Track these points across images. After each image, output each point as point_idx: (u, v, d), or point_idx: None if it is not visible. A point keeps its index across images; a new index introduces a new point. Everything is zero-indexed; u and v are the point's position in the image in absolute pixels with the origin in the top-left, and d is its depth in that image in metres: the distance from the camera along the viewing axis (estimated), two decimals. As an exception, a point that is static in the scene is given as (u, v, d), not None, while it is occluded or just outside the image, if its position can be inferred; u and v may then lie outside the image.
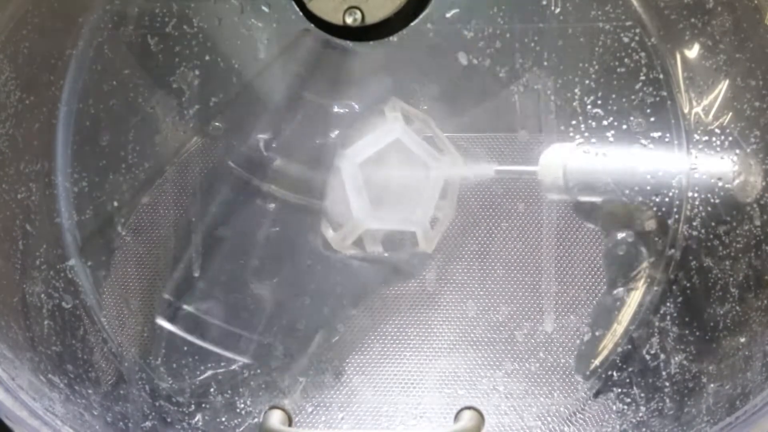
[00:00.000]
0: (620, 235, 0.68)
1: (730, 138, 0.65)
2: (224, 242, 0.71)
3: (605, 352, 0.68)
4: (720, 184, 0.65)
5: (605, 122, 0.66)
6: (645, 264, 0.68)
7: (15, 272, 0.68)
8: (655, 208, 0.67)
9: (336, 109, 0.70)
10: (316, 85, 0.69)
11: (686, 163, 0.66)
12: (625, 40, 0.65)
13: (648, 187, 0.66)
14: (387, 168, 0.70)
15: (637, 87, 0.66)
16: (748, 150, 0.64)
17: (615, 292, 0.69)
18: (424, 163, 0.71)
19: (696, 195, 0.66)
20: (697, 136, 0.66)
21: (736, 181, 0.64)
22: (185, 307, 0.70)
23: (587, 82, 0.66)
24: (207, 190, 0.71)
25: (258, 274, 0.71)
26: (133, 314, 0.71)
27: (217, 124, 0.69)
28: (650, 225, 0.67)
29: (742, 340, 0.64)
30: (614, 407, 0.67)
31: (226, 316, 0.71)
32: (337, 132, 0.70)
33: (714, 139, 0.65)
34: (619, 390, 0.67)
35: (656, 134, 0.66)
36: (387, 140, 0.70)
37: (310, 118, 0.71)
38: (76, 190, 0.70)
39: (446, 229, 0.72)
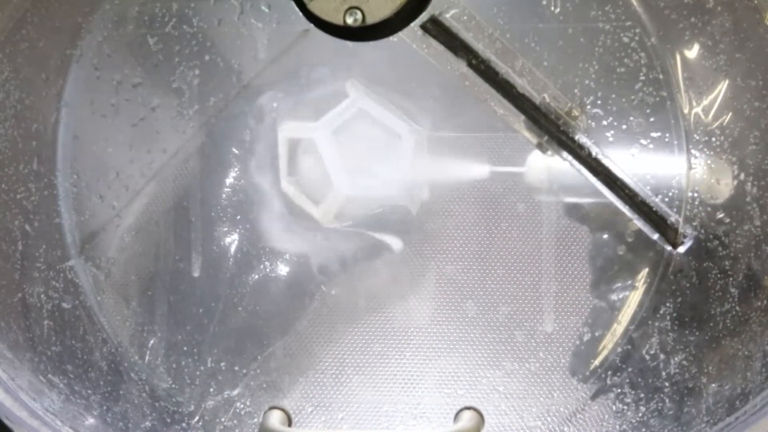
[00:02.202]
0: (620, 235, 0.68)
1: (730, 138, 0.65)
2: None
3: (605, 353, 0.68)
4: (720, 184, 0.65)
5: (605, 122, 0.66)
6: (645, 264, 0.68)
7: (15, 272, 0.68)
8: (654, 208, 0.67)
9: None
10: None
11: (686, 163, 0.66)
12: (625, 40, 0.65)
13: (648, 187, 0.66)
14: (358, 138, 0.72)
15: (637, 87, 0.66)
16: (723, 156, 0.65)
17: (615, 292, 0.69)
18: (391, 129, 0.72)
19: (696, 195, 0.66)
20: (697, 136, 0.66)
21: (707, 182, 0.65)
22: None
23: (587, 82, 0.66)
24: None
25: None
26: (133, 314, 0.71)
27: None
28: (633, 225, 0.67)
29: (742, 340, 0.64)
30: (614, 407, 0.67)
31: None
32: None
33: (714, 139, 0.65)
34: (619, 390, 0.67)
35: (656, 134, 0.66)
36: (352, 110, 0.72)
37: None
38: (76, 190, 0.70)
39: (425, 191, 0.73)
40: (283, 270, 0.71)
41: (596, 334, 0.69)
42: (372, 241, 0.72)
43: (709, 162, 0.65)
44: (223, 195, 0.72)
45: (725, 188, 0.65)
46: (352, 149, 0.72)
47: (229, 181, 0.71)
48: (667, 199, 0.66)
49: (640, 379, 0.67)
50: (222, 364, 0.70)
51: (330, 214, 0.73)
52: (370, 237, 0.72)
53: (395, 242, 0.73)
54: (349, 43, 0.59)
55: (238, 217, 0.72)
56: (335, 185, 0.72)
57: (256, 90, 0.70)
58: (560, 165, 0.68)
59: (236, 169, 0.71)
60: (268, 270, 0.71)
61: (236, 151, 0.71)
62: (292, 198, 0.72)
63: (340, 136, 0.72)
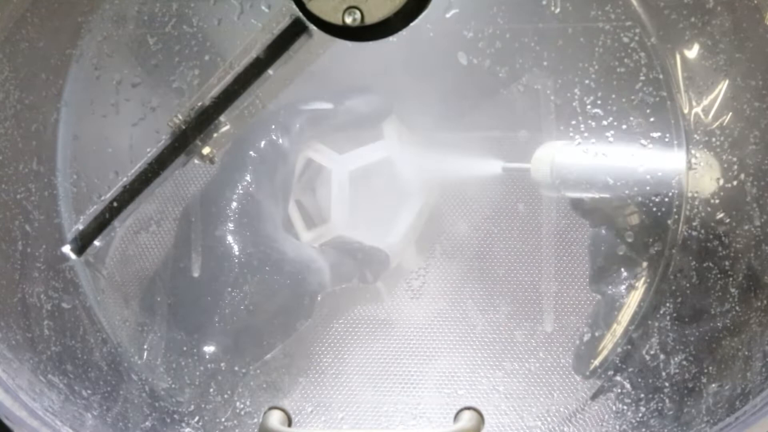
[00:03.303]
0: (620, 235, 0.68)
1: (730, 138, 0.65)
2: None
3: (605, 352, 0.68)
4: (720, 183, 0.65)
5: (605, 122, 0.66)
6: (645, 264, 0.68)
7: (15, 272, 0.68)
8: (654, 208, 0.67)
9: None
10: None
11: (686, 163, 0.66)
12: (625, 40, 0.65)
13: (648, 187, 0.66)
14: (372, 184, 0.72)
15: (637, 87, 0.66)
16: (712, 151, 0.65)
17: (614, 292, 0.69)
18: (407, 187, 0.73)
19: (696, 195, 0.66)
20: (696, 136, 0.66)
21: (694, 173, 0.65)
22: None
23: (587, 82, 0.66)
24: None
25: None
26: (133, 314, 0.71)
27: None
28: (633, 219, 0.67)
29: (742, 340, 0.64)
30: (614, 407, 0.67)
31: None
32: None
33: (714, 139, 0.65)
34: (619, 390, 0.67)
35: (656, 134, 0.66)
36: (379, 156, 0.73)
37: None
38: (76, 190, 0.70)
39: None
40: (283, 270, 0.71)
41: (596, 333, 0.69)
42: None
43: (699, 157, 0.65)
44: (224, 195, 0.72)
45: (713, 183, 0.65)
46: (362, 194, 0.73)
47: (229, 181, 0.71)
48: (667, 199, 0.66)
49: (640, 379, 0.67)
50: (222, 364, 0.70)
51: (317, 242, 0.73)
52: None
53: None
54: (349, 44, 0.59)
55: (239, 217, 0.72)
56: (333, 222, 0.73)
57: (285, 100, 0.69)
58: (562, 159, 0.68)
59: (237, 169, 0.71)
60: (268, 270, 0.71)
61: (238, 152, 0.71)
62: (290, 213, 0.73)
63: (356, 178, 0.72)
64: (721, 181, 0.64)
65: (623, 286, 0.69)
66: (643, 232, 0.67)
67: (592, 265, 0.69)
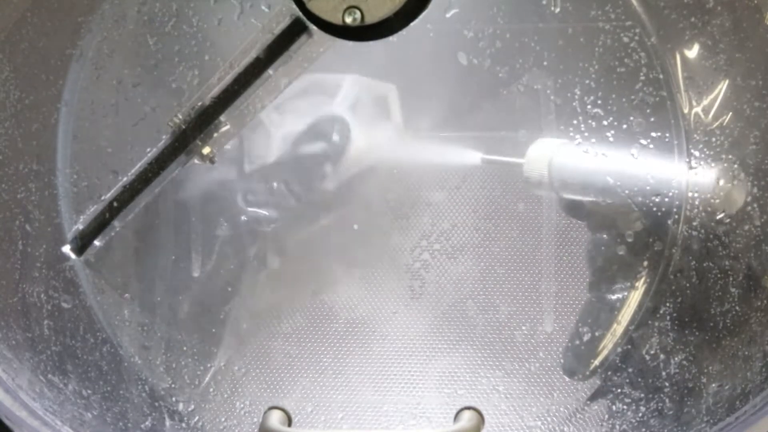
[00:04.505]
0: (620, 235, 0.68)
1: (730, 138, 0.65)
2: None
3: (605, 352, 0.68)
4: (720, 183, 0.65)
5: (605, 122, 0.66)
6: (645, 264, 0.68)
7: (15, 272, 0.68)
8: (654, 209, 0.67)
9: None
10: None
11: (686, 164, 0.66)
12: (625, 40, 0.65)
13: (648, 187, 0.66)
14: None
15: (637, 87, 0.66)
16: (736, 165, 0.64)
17: (614, 292, 0.69)
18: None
19: (696, 195, 0.66)
20: (697, 136, 0.65)
21: (722, 193, 0.64)
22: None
23: (587, 82, 0.66)
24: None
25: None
26: (133, 314, 0.71)
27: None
28: (637, 226, 0.67)
29: (742, 340, 0.64)
30: (614, 407, 0.67)
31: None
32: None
33: (714, 139, 0.65)
34: (619, 390, 0.67)
35: (656, 134, 0.66)
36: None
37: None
38: (76, 190, 0.70)
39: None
40: (283, 270, 0.71)
41: (596, 333, 0.69)
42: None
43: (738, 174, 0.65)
44: (224, 195, 0.72)
45: (736, 202, 0.65)
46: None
47: (230, 181, 0.71)
48: (667, 199, 0.66)
49: (640, 379, 0.67)
50: (222, 364, 0.70)
51: None
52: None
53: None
54: (349, 43, 0.59)
55: (239, 217, 0.72)
56: None
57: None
58: (560, 159, 0.68)
59: (238, 169, 0.71)
60: (268, 270, 0.71)
61: (239, 153, 0.71)
62: None
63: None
64: (749, 198, 0.64)
65: (623, 287, 0.69)
66: (643, 232, 0.67)
67: (593, 271, 0.69)
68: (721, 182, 0.65)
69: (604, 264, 0.69)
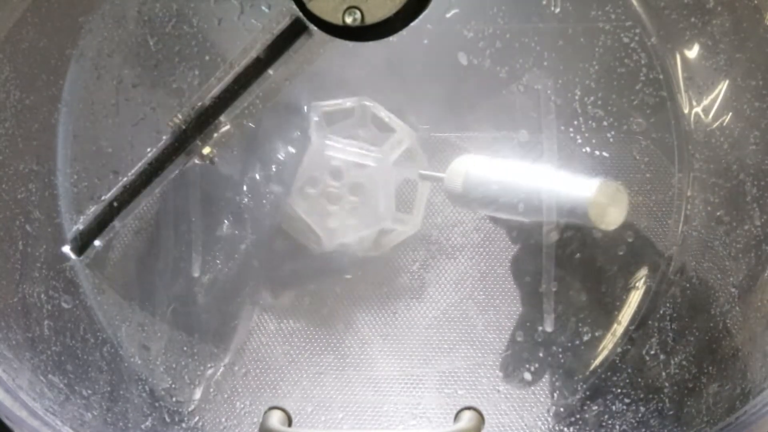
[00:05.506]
0: (620, 236, 0.68)
1: (730, 138, 0.65)
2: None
3: (605, 353, 0.68)
4: (720, 183, 0.65)
5: (605, 122, 0.66)
6: (645, 264, 0.68)
7: (15, 272, 0.68)
8: (654, 208, 0.67)
9: None
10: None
11: (686, 164, 0.66)
12: (625, 40, 0.65)
13: (648, 187, 0.66)
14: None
15: (637, 87, 0.66)
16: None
17: (615, 292, 0.69)
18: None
19: (696, 195, 0.66)
20: (697, 137, 0.66)
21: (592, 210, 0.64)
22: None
23: (587, 82, 0.66)
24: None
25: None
26: (133, 314, 0.71)
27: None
28: (552, 237, 0.67)
29: (742, 340, 0.64)
30: (614, 407, 0.67)
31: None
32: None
33: (714, 139, 0.65)
34: (619, 390, 0.67)
35: (656, 134, 0.66)
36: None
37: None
38: (76, 190, 0.70)
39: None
40: (283, 270, 0.71)
41: (596, 334, 0.69)
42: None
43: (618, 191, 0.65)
44: (224, 195, 0.72)
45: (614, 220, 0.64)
46: None
47: (230, 181, 0.71)
48: (667, 199, 0.66)
49: (640, 379, 0.67)
50: (222, 364, 0.70)
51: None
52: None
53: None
54: (349, 43, 0.59)
55: (239, 217, 0.72)
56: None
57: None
58: (476, 172, 0.68)
59: (238, 169, 0.71)
60: (268, 270, 0.71)
61: (239, 153, 0.71)
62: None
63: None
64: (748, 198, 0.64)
65: (623, 287, 0.69)
66: (643, 232, 0.67)
67: (593, 271, 0.69)
68: (721, 182, 0.65)
69: (605, 264, 0.69)
